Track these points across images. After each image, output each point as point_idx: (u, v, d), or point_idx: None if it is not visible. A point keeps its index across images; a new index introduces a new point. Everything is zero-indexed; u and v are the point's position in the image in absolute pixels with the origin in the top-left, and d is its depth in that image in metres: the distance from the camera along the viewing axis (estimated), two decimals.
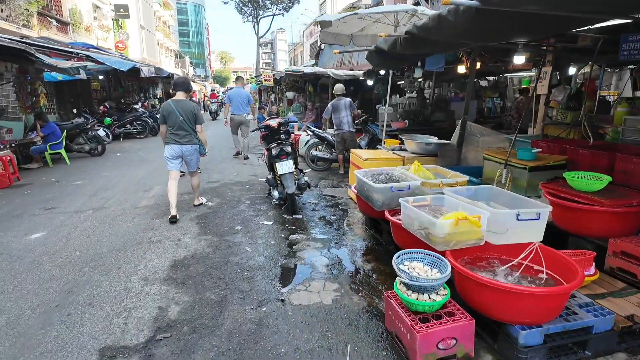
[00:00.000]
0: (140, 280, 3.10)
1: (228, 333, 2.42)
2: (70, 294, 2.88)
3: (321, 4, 34.97)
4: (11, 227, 4.38)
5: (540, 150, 3.66)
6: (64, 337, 2.37)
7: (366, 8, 13.19)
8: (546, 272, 2.33)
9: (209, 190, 5.87)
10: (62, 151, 8.15)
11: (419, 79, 8.24)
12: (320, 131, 7.51)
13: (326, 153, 7.36)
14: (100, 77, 13.43)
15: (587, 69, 5.36)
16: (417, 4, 8.32)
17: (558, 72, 6.27)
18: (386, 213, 3.20)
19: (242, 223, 4.45)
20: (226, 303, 2.75)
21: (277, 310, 2.66)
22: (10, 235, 4.11)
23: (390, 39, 3.94)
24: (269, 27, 41.09)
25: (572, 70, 6.32)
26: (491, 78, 10.50)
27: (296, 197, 4.87)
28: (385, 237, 3.76)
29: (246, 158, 8.58)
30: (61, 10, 14.98)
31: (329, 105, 6.91)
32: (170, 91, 7.11)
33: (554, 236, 2.89)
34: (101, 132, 9.99)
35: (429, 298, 2.14)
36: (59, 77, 10.42)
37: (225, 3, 37.50)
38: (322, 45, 15.50)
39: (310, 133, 7.59)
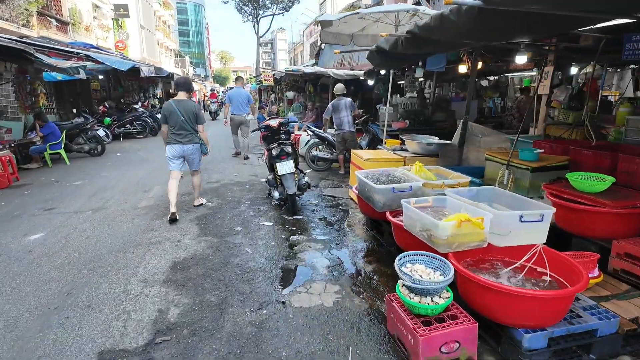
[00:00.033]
0: (139, 282, 3.08)
1: (228, 336, 2.39)
2: (69, 296, 2.86)
3: (321, 4, 34.93)
4: (10, 227, 4.36)
5: (542, 150, 3.63)
6: (62, 341, 2.35)
7: (366, 8, 13.16)
8: (550, 275, 2.30)
9: (209, 191, 5.84)
10: (62, 151, 8.13)
11: (420, 79, 8.21)
12: (321, 131, 7.49)
13: (326, 153, 7.33)
14: (100, 76, 13.40)
15: (589, 69, 5.33)
16: (417, 3, 8.29)
17: (560, 72, 6.24)
18: (388, 214, 3.17)
19: (243, 224, 4.42)
20: (226, 305, 2.73)
21: (278, 313, 2.63)
22: (9, 236, 4.09)
23: (392, 38, 3.92)
24: (269, 27, 41.09)
25: (573, 70, 6.29)
26: (492, 78, 10.48)
27: (297, 198, 4.84)
28: (386, 238, 3.74)
29: (246, 158, 8.56)
30: (61, 10, 14.94)
31: (330, 105, 6.89)
32: (170, 91, 7.09)
33: (557, 238, 2.87)
34: (101, 132, 9.97)
35: (432, 301, 2.11)
36: (59, 76, 10.38)
37: (225, 2, 37.59)
38: (323, 45, 15.48)
39: (311, 133, 7.56)
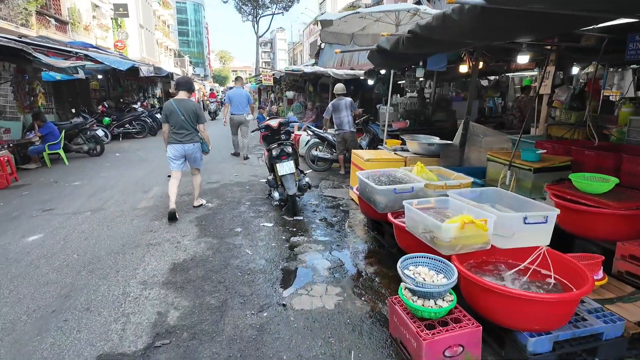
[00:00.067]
0: (138, 284, 3.05)
1: (229, 339, 2.36)
2: (67, 299, 2.83)
3: (321, 3, 34.87)
4: (8, 229, 4.32)
5: (545, 151, 3.60)
6: (60, 344, 2.32)
7: (366, 7, 13.13)
8: (554, 277, 2.27)
9: (209, 191, 5.81)
10: (61, 151, 8.09)
11: (420, 79, 8.18)
12: (321, 131, 7.46)
13: (327, 153, 7.30)
14: (99, 76, 13.34)
15: (590, 69, 5.30)
16: (418, 2, 8.26)
17: (561, 72, 6.22)
18: (389, 215, 3.14)
19: (243, 225, 4.39)
20: (226, 308, 2.70)
21: (279, 316, 2.60)
22: (8, 238, 4.05)
23: (393, 38, 3.89)
24: (269, 27, 40.98)
25: (574, 70, 6.27)
26: (492, 77, 10.45)
27: (297, 199, 4.82)
28: (387, 239, 3.70)
29: (246, 158, 8.53)
30: (60, 10, 14.89)
31: (330, 105, 6.86)
32: (170, 91, 7.06)
33: (559, 239, 2.84)
34: (100, 132, 9.91)
35: (435, 304, 2.09)
36: (58, 76, 10.35)
37: (224, 2, 37.43)
38: (322, 45, 15.45)
39: (311, 133, 7.53)
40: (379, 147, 6.25)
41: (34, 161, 7.86)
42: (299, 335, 2.40)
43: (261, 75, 20.17)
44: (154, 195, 5.66)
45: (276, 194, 4.81)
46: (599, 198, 2.76)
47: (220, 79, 66.35)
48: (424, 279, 2.14)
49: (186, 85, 4.71)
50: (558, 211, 2.44)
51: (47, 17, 13.52)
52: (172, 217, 4.48)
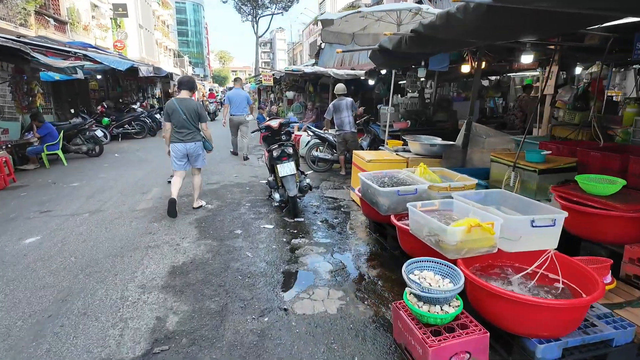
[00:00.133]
0: (137, 288, 2.99)
1: (229, 345, 2.30)
2: (64, 303, 2.77)
3: (320, 3, 34.79)
4: (5, 231, 4.26)
5: (550, 152, 3.55)
6: (56, 351, 2.26)
7: (366, 7, 13.08)
8: (562, 281, 2.22)
9: (209, 192, 5.75)
10: (59, 152, 8.03)
11: (421, 79, 8.13)
12: (321, 132, 7.41)
13: (327, 154, 7.25)
14: (98, 76, 13.29)
15: (594, 69, 5.26)
16: (419, 2, 8.21)
17: (564, 72, 6.17)
18: (392, 218, 3.09)
19: (243, 227, 4.34)
20: (227, 312, 2.64)
21: (280, 321, 2.55)
22: (4, 240, 3.99)
23: (395, 37, 3.83)
24: (268, 27, 40.93)
25: (577, 70, 6.22)
26: (493, 78, 10.40)
27: (298, 200, 4.76)
28: (390, 241, 3.65)
29: (246, 159, 8.48)
30: (59, 9, 14.84)
31: (330, 105, 6.81)
32: (169, 91, 7.02)
33: (565, 242, 2.78)
34: (99, 133, 9.87)
35: (441, 310, 2.03)
36: (56, 76, 10.32)
37: (224, 2, 37.24)
38: (322, 45, 15.41)
39: (311, 133, 7.48)
40: (380, 147, 6.20)
41: (32, 162, 7.80)
42: (301, 341, 2.34)
43: (261, 76, 20.11)
44: (153, 196, 5.60)
45: (277, 195, 4.76)
46: (605, 200, 2.71)
47: (219, 79, 66.26)
48: (429, 283, 2.08)
49: (188, 84, 4.73)
50: (566, 214, 2.39)
51: (46, 17, 13.47)
52: (171, 204, 4.58)
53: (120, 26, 21.88)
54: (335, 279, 3.14)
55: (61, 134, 8.08)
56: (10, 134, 7.95)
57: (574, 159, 3.50)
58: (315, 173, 7.04)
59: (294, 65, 33.46)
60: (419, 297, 2.09)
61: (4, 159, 6.41)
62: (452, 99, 9.22)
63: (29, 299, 2.83)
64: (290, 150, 4.72)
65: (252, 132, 6.70)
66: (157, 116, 13.85)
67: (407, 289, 2.17)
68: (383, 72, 7.75)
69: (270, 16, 37.52)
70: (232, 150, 9.17)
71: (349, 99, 6.72)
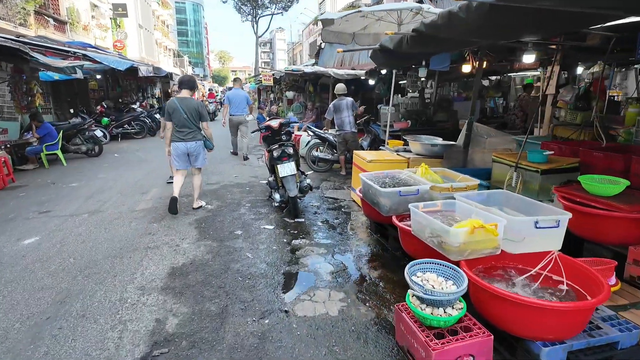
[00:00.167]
0: (136, 289, 2.96)
1: (229, 348, 2.28)
2: (62, 305, 2.74)
3: (320, 3, 34.76)
4: (4, 231, 4.23)
5: (552, 152, 3.52)
6: (54, 354, 2.23)
7: (367, 7, 13.05)
8: (566, 283, 2.20)
9: (208, 193, 5.72)
10: (59, 152, 7.99)
11: (422, 78, 8.11)
12: (322, 131, 7.38)
13: (327, 154, 7.23)
14: (98, 76, 13.27)
15: (595, 69, 5.24)
16: (420, 1, 8.18)
17: (565, 72, 6.14)
18: (394, 219, 3.06)
19: (243, 227, 4.31)
20: (227, 314, 2.61)
21: (281, 323, 2.52)
22: (3, 241, 3.97)
23: (397, 37, 3.81)
24: (268, 27, 40.90)
25: (579, 70, 6.20)
26: (493, 77, 10.37)
27: (298, 200, 4.73)
28: (391, 242, 3.63)
29: (246, 159, 8.46)
30: (59, 9, 14.81)
31: (331, 105, 6.78)
32: (169, 90, 7.00)
33: (568, 243, 2.76)
34: (98, 133, 9.83)
35: (445, 312, 2.01)
36: (56, 76, 10.29)
37: (224, 2, 37.20)
38: (322, 45, 15.39)
39: (311, 133, 7.46)
40: (380, 147, 6.18)
41: (32, 162, 7.76)
42: (302, 343, 2.32)
43: (261, 75, 20.08)
44: (153, 197, 5.57)
45: (277, 196, 4.73)
46: (609, 201, 2.69)
47: (219, 79, 66.21)
48: (432, 286, 2.06)
49: (189, 83, 4.75)
50: (570, 215, 2.36)
51: (46, 17, 13.44)
52: (173, 202, 4.61)
53: (120, 26, 21.85)
54: (336, 280, 3.11)
55: (60, 134, 8.05)
56: (10, 133, 7.93)
57: (576, 159, 3.47)
58: (315, 173, 7.01)
59: (293, 65, 33.44)
60: (422, 300, 2.06)
61: (2, 159, 6.38)
62: (453, 99, 9.19)
63: (27, 301, 2.80)
64: (290, 150, 4.70)
65: (252, 132, 6.67)
66: (157, 116, 13.79)
67: (409, 291, 2.14)
68: (383, 72, 7.73)
69: (270, 16, 37.52)
70: (232, 150, 9.16)
71: (349, 99, 6.70)
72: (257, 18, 36.97)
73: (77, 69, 8.28)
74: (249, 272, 3.24)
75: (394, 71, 6.34)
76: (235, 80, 9.35)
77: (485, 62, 5.18)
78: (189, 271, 3.26)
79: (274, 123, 4.99)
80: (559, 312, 1.85)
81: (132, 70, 11.77)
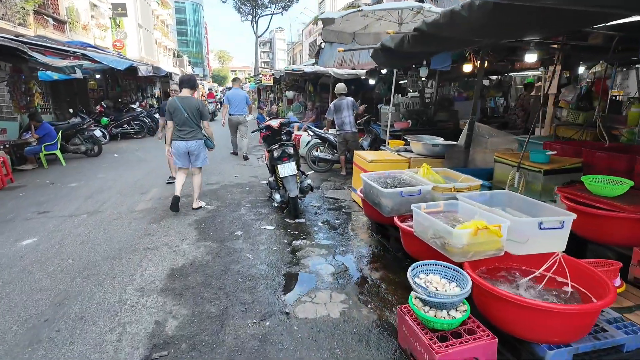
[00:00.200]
0: (135, 291, 2.93)
1: (230, 350, 2.25)
2: (60, 307, 2.71)
3: (320, 3, 34.73)
4: (2, 232, 4.20)
5: (555, 152, 3.49)
6: (52, 357, 2.20)
7: (367, 6, 13.01)
8: (571, 285, 2.17)
9: (208, 193, 5.69)
10: (58, 152, 7.95)
11: (423, 78, 8.08)
12: (322, 131, 7.35)
13: (328, 154, 7.20)
14: (97, 76, 13.23)
15: (597, 68, 5.21)
16: (421, 0, 8.15)
17: (567, 72, 6.12)
18: (396, 219, 3.03)
19: (243, 228, 4.28)
20: (227, 316, 2.58)
21: (282, 325, 2.49)
22: (1, 241, 3.93)
23: (398, 36, 3.78)
24: (268, 26, 40.87)
25: (580, 69, 6.16)
26: (494, 77, 10.35)
27: (299, 201, 4.70)
28: (392, 243, 3.60)
29: (246, 158, 8.44)
30: (58, 9, 14.76)
31: (331, 105, 6.75)
32: (168, 90, 6.96)
33: (571, 244, 2.73)
34: (98, 132, 9.79)
35: (448, 315, 1.98)
36: (55, 76, 10.24)
37: (223, 2, 37.15)
38: (322, 44, 15.35)
39: (312, 133, 7.43)
40: (381, 147, 6.15)
41: (30, 162, 7.72)
42: (303, 346, 2.29)
43: (260, 75, 20.02)
44: (152, 197, 5.54)
45: (277, 196, 4.71)
46: (613, 201, 2.66)
47: (219, 79, 66.15)
48: (436, 288, 2.03)
49: (189, 82, 4.75)
50: (574, 216, 2.34)
51: (45, 17, 13.40)
52: (175, 200, 4.67)
53: (119, 26, 21.80)
54: (337, 281, 3.08)
55: (59, 134, 8.02)
56: (9, 133, 7.90)
57: (579, 159, 3.44)
58: (315, 173, 6.98)
59: (293, 64, 33.40)
60: (425, 302, 2.03)
61: (1, 159, 6.36)
62: (453, 99, 9.17)
63: (25, 303, 2.77)
64: (291, 150, 4.67)
65: (252, 132, 6.64)
66: (156, 116, 13.76)
67: (412, 293, 2.11)
68: (384, 71, 7.69)
69: (270, 16, 37.48)
70: (232, 150, 9.13)
71: (350, 99, 6.67)
72: (256, 18, 36.94)
73: (76, 68, 8.23)
74: (250, 274, 3.21)
75: (394, 71, 6.31)
76: (234, 80, 9.33)
77: (486, 62, 5.16)
78: (189, 272, 3.23)
79: (274, 123, 4.96)
80: (565, 314, 1.83)
81: (132, 70, 11.74)
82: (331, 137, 7.05)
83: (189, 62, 47.80)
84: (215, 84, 52.01)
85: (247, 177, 6.79)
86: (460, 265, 2.24)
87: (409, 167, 4.53)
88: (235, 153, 9.02)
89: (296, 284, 3.06)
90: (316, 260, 3.47)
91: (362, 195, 3.79)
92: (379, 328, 2.46)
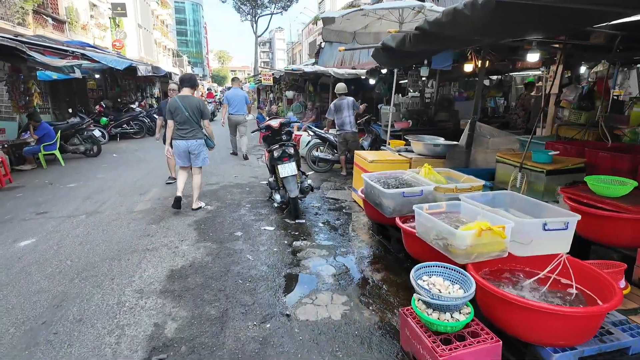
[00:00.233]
0: (134, 292, 2.90)
1: (230, 353, 2.22)
2: (58, 309, 2.68)
3: (320, 3, 34.69)
4: (0, 233, 4.17)
5: (558, 152, 3.46)
6: None
7: (367, 5, 12.98)
8: (576, 287, 2.14)
9: (208, 193, 5.66)
10: (57, 152, 7.92)
11: (423, 78, 8.06)
12: (322, 131, 7.32)
13: (328, 154, 7.17)
14: (97, 76, 13.18)
15: (599, 68, 5.18)
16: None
17: (568, 71, 6.09)
18: (397, 220, 3.00)
19: (243, 228, 4.25)
20: (227, 319, 2.56)
21: (283, 327, 2.46)
22: None
23: (399, 35, 3.75)
24: (267, 26, 40.80)
25: (582, 69, 6.14)
26: (494, 77, 10.33)
27: (299, 201, 4.67)
28: (394, 244, 3.58)
29: (246, 158, 8.41)
30: (57, 9, 14.73)
31: (331, 105, 6.72)
32: (168, 90, 6.93)
33: (574, 245, 2.70)
34: (97, 132, 9.75)
35: (452, 317, 1.95)
36: (54, 76, 10.20)
37: (223, 2, 37.14)
38: (322, 44, 15.32)
39: (312, 133, 7.40)
40: (381, 147, 6.12)
41: (29, 162, 7.68)
42: (304, 348, 2.26)
43: (260, 75, 19.99)
44: (152, 197, 5.51)
45: (277, 197, 4.68)
46: (616, 202, 2.63)
47: (218, 79, 66.11)
48: (439, 290, 2.00)
49: (190, 81, 4.75)
50: (579, 217, 2.31)
51: (44, 16, 13.36)
52: (177, 202, 4.68)
53: (119, 25, 21.76)
54: (338, 283, 3.05)
55: (58, 134, 7.98)
56: (7, 133, 7.85)
57: (582, 159, 3.41)
58: (316, 173, 6.95)
59: (293, 64, 33.36)
60: (428, 304, 2.00)
61: (0, 159, 6.31)
62: (454, 99, 9.14)
63: (22, 305, 2.74)
64: (291, 150, 4.64)
65: (252, 132, 6.61)
66: (156, 116, 13.73)
67: (415, 295, 2.08)
68: (384, 71, 7.66)
69: (270, 16, 37.42)
70: (232, 150, 9.11)
71: (350, 99, 6.64)
72: (256, 17, 36.89)
73: (75, 68, 8.20)
74: (250, 275, 3.18)
75: (395, 70, 6.28)
76: (233, 79, 9.30)
77: (487, 61, 5.13)
78: (189, 274, 3.19)
79: (274, 123, 4.93)
80: (571, 317, 1.80)
81: (131, 70, 11.70)
82: (331, 137, 7.02)
83: (189, 62, 47.77)
84: (215, 84, 51.98)
85: (247, 178, 6.76)
86: (463, 266, 2.21)
87: (410, 168, 4.51)
88: (235, 153, 9.00)
89: (297, 286, 3.03)
90: (317, 261, 3.45)
91: (363, 196, 3.76)
92: (381, 330, 2.43)
